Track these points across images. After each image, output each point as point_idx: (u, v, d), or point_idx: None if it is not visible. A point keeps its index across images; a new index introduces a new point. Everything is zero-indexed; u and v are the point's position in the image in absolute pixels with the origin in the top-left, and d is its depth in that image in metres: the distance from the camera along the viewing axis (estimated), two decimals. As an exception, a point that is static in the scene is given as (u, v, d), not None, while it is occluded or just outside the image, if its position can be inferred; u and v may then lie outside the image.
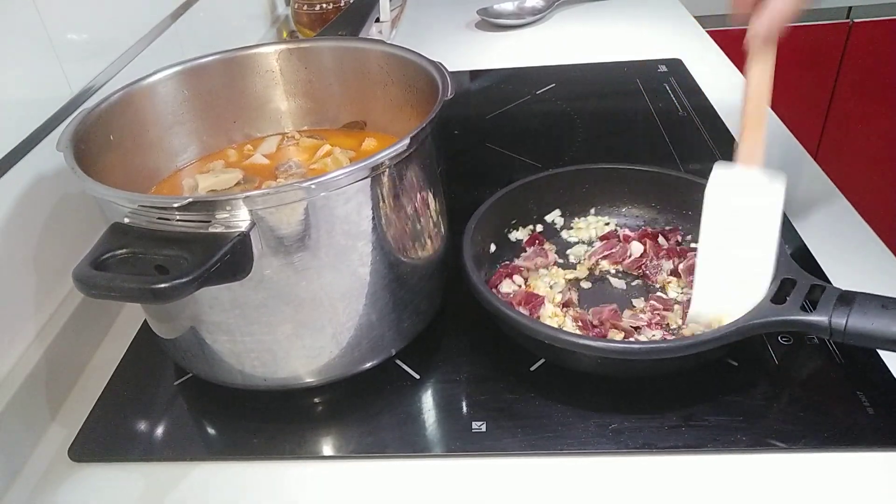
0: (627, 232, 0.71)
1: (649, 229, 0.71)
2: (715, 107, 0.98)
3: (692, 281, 0.61)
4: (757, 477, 0.51)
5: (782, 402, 0.56)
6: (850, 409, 0.54)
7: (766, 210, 0.58)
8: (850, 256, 0.69)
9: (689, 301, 0.61)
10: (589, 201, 0.74)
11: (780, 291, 0.56)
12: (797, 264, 0.58)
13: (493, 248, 0.69)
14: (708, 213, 0.60)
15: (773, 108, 0.97)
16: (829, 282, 0.65)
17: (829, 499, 0.50)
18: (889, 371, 0.57)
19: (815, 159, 0.86)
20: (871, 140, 1.71)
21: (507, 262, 0.68)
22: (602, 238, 0.71)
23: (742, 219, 0.59)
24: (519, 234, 0.72)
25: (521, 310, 0.61)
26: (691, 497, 0.50)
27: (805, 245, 0.71)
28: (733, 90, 1.04)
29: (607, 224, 0.73)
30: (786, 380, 0.58)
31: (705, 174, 0.83)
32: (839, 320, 0.52)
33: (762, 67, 0.61)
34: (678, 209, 0.72)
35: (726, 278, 0.58)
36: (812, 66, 1.62)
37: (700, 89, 1.03)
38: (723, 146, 0.89)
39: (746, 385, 0.57)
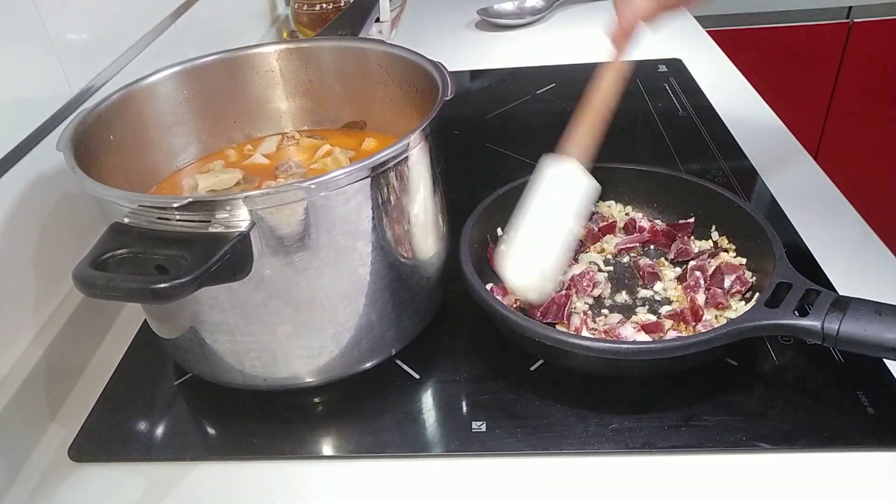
0: (645, 223, 0.71)
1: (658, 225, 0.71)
2: (715, 107, 0.98)
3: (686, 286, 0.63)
4: (757, 477, 0.51)
5: (782, 402, 0.56)
6: (850, 409, 0.54)
7: (569, 197, 0.61)
8: (850, 257, 0.69)
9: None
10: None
11: (775, 295, 0.56)
12: (796, 265, 0.58)
13: (491, 247, 0.69)
14: (524, 200, 0.62)
15: (773, 108, 0.98)
16: (828, 282, 0.65)
17: (829, 499, 0.49)
18: (889, 371, 0.57)
19: (815, 159, 0.86)
20: (871, 140, 1.71)
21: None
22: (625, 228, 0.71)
23: (545, 204, 0.61)
24: None
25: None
26: (691, 497, 0.50)
27: (805, 245, 0.71)
28: (733, 90, 1.04)
29: (627, 214, 0.73)
30: (786, 380, 0.58)
31: (705, 174, 0.84)
32: (832, 325, 0.51)
33: (616, 67, 0.61)
34: (678, 209, 0.72)
35: (522, 255, 0.61)
36: (812, 66, 1.62)
37: (700, 89, 1.03)
38: (723, 146, 0.89)
39: (746, 385, 0.57)
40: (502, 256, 0.62)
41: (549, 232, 0.60)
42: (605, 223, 0.71)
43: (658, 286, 0.65)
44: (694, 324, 0.60)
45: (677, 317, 0.61)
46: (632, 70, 0.62)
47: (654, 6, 0.59)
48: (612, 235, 0.71)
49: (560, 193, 0.61)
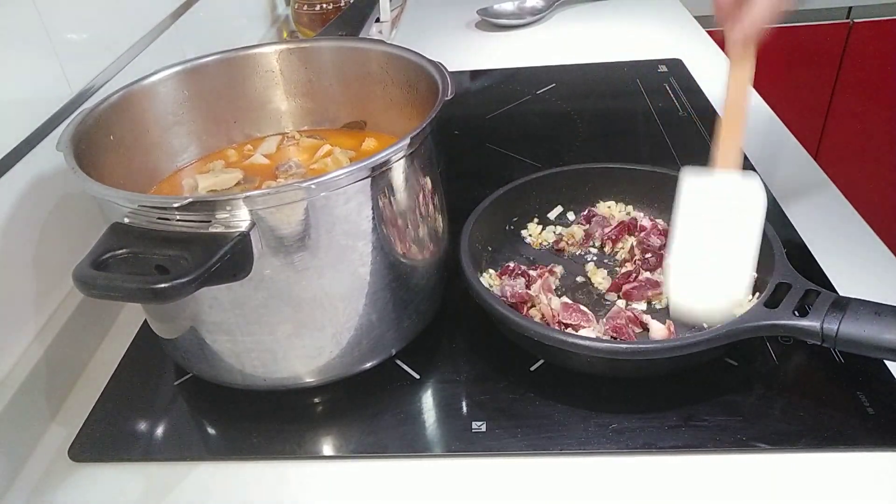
0: (646, 222, 0.71)
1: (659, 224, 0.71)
2: (715, 107, 0.98)
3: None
4: (757, 476, 0.51)
5: (782, 401, 0.56)
6: (850, 409, 0.54)
7: (746, 212, 0.59)
8: (851, 257, 0.69)
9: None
10: (589, 200, 0.74)
11: (775, 295, 0.56)
12: (797, 265, 0.58)
13: (491, 247, 0.69)
14: (683, 216, 0.60)
15: (773, 108, 0.98)
16: (828, 282, 0.65)
17: (829, 499, 0.50)
18: (889, 371, 0.57)
19: (815, 159, 0.86)
20: (871, 140, 1.71)
21: (510, 265, 0.67)
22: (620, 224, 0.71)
23: (719, 221, 0.59)
24: (526, 233, 0.72)
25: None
26: (691, 497, 0.50)
27: (805, 245, 0.71)
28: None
29: (629, 214, 0.73)
30: (786, 380, 0.58)
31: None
32: (831, 326, 0.51)
33: (741, 73, 0.61)
34: (678, 209, 0.72)
35: (702, 279, 0.59)
36: (812, 66, 1.62)
37: (700, 89, 1.03)
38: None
39: (746, 385, 0.57)
40: (678, 289, 0.60)
41: (728, 253, 0.58)
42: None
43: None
44: None
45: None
46: (751, 78, 0.61)
47: (770, 13, 0.58)
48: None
49: (730, 208, 0.59)
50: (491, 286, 0.65)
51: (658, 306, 0.63)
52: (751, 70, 0.60)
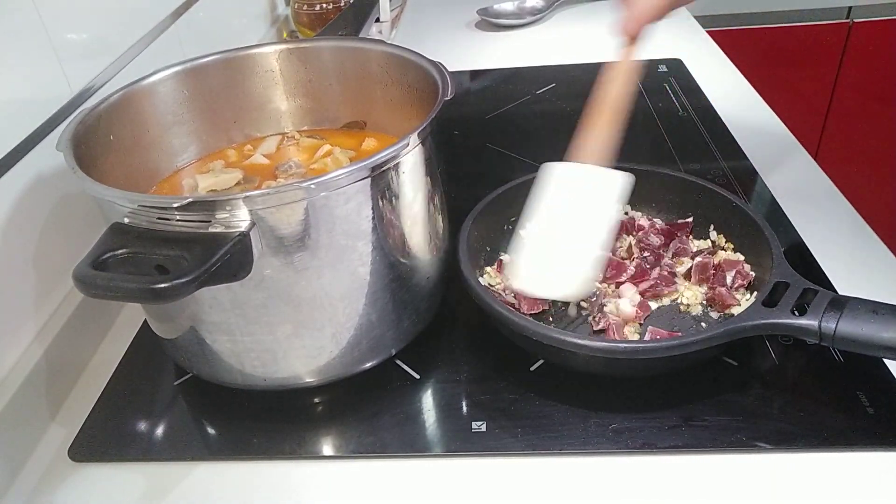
0: (643, 221, 0.71)
1: (658, 223, 0.71)
2: (715, 107, 0.98)
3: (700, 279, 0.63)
4: (757, 476, 0.51)
5: (782, 401, 0.56)
6: (850, 409, 0.54)
7: (598, 200, 0.58)
8: (850, 257, 0.69)
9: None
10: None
11: (773, 294, 0.56)
12: (796, 264, 0.58)
13: (489, 247, 0.69)
14: (542, 198, 0.59)
15: (773, 108, 0.98)
16: (828, 282, 0.65)
17: (829, 499, 0.49)
18: (889, 371, 0.57)
19: (815, 159, 0.86)
20: (871, 140, 1.71)
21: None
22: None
23: (572, 207, 0.58)
24: (524, 232, 0.72)
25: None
26: (691, 497, 0.50)
27: (805, 245, 0.71)
28: (733, 90, 1.04)
29: (626, 213, 0.73)
30: (785, 379, 0.58)
31: (705, 174, 0.84)
32: (829, 325, 0.51)
33: (626, 66, 0.60)
34: (677, 209, 0.72)
35: (550, 257, 0.57)
36: (812, 66, 1.62)
37: (700, 89, 1.03)
38: (723, 146, 0.89)
39: (746, 385, 0.57)
40: (512, 267, 0.60)
41: (570, 234, 0.57)
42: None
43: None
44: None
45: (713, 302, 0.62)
46: (639, 70, 0.60)
47: (659, 6, 0.59)
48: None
49: (579, 196, 0.58)
50: (492, 285, 0.65)
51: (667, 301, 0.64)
52: (633, 59, 0.60)
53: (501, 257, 0.69)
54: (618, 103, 0.59)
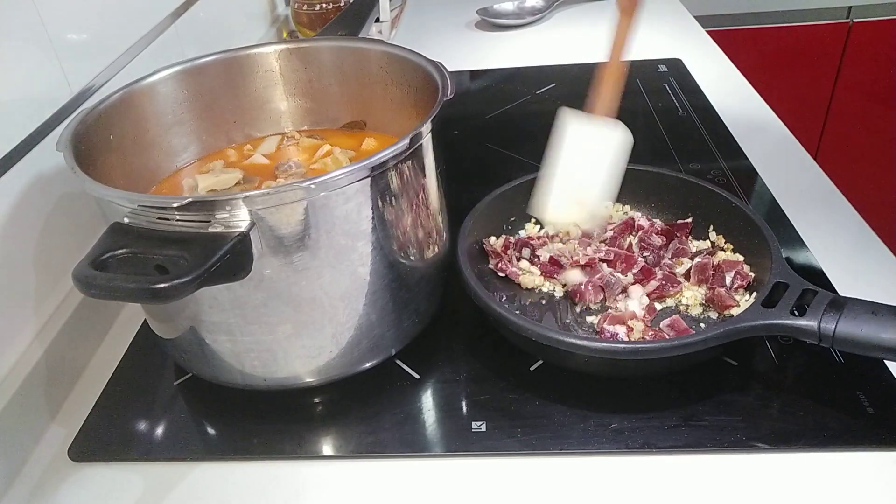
0: (644, 222, 0.71)
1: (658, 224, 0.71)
2: (715, 107, 0.98)
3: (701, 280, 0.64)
4: (757, 476, 0.51)
5: (782, 401, 0.56)
6: (850, 409, 0.54)
7: (610, 147, 0.65)
8: (851, 257, 0.69)
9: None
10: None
11: (772, 295, 0.56)
12: (796, 265, 0.58)
13: (489, 247, 0.69)
14: (561, 141, 0.66)
15: (773, 108, 0.98)
16: (828, 282, 0.65)
17: (829, 499, 0.49)
18: (889, 371, 0.57)
19: (815, 159, 0.86)
20: (871, 140, 1.71)
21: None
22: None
23: (586, 149, 0.66)
24: (524, 232, 0.72)
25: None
26: (691, 497, 0.50)
27: (805, 245, 0.71)
28: (733, 90, 1.04)
29: (626, 213, 0.73)
30: (785, 379, 0.58)
31: (705, 174, 0.84)
32: (828, 325, 0.51)
33: (626, 24, 0.66)
34: (677, 209, 0.72)
35: (571, 192, 0.66)
36: (812, 66, 1.62)
37: (700, 89, 1.03)
38: (723, 146, 0.89)
39: (746, 385, 0.57)
40: (539, 198, 0.66)
41: (586, 170, 0.65)
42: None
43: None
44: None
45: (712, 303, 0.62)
46: (635, 37, 0.67)
47: None
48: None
49: (592, 140, 0.66)
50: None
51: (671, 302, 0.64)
52: (635, 23, 0.66)
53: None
54: (620, 69, 0.67)
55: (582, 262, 0.65)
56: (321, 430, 0.57)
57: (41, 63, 0.64)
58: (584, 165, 0.66)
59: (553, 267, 0.66)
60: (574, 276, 0.65)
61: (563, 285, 0.66)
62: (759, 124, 0.94)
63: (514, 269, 0.67)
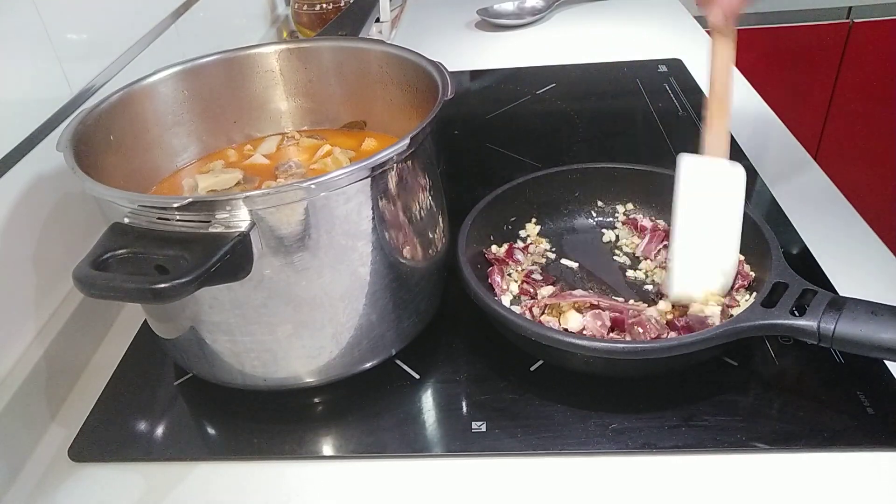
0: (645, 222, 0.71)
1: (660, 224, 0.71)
2: (715, 107, 0.98)
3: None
4: (757, 477, 0.51)
5: (782, 401, 0.56)
6: (850, 409, 0.54)
7: (733, 195, 0.61)
8: (851, 257, 0.69)
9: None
10: (588, 201, 0.74)
11: (772, 295, 0.56)
12: (796, 265, 0.58)
13: (490, 246, 0.69)
14: (681, 200, 0.62)
15: (773, 108, 0.98)
16: (828, 282, 0.65)
17: (829, 499, 0.50)
18: (889, 371, 0.57)
19: (815, 159, 0.86)
20: (871, 140, 1.71)
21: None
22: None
23: (712, 204, 0.62)
24: (524, 233, 0.72)
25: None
26: (691, 497, 0.50)
27: (805, 245, 0.71)
28: (733, 90, 1.04)
29: (627, 214, 0.73)
30: (786, 380, 0.58)
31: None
32: (828, 325, 0.51)
33: (724, 53, 0.63)
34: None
35: (699, 259, 0.61)
36: (812, 66, 1.62)
37: (700, 89, 1.03)
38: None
39: (746, 385, 0.57)
40: (673, 275, 0.61)
41: (716, 229, 0.61)
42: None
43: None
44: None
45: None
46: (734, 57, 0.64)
47: None
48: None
49: (713, 190, 0.62)
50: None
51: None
52: (732, 50, 0.63)
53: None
54: (726, 100, 0.63)
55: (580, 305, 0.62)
56: (321, 430, 0.57)
57: (41, 63, 0.64)
58: (714, 224, 0.61)
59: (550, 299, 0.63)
60: (574, 321, 0.60)
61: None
62: (759, 124, 0.94)
63: (500, 283, 0.65)
